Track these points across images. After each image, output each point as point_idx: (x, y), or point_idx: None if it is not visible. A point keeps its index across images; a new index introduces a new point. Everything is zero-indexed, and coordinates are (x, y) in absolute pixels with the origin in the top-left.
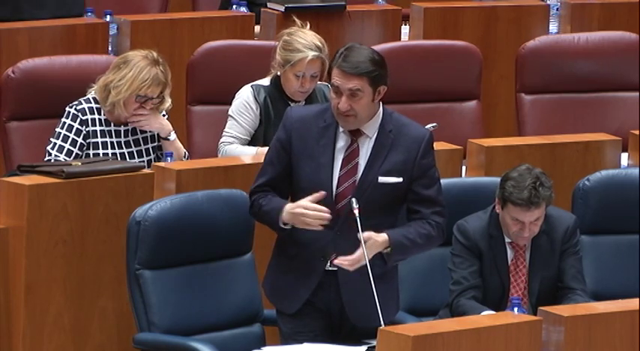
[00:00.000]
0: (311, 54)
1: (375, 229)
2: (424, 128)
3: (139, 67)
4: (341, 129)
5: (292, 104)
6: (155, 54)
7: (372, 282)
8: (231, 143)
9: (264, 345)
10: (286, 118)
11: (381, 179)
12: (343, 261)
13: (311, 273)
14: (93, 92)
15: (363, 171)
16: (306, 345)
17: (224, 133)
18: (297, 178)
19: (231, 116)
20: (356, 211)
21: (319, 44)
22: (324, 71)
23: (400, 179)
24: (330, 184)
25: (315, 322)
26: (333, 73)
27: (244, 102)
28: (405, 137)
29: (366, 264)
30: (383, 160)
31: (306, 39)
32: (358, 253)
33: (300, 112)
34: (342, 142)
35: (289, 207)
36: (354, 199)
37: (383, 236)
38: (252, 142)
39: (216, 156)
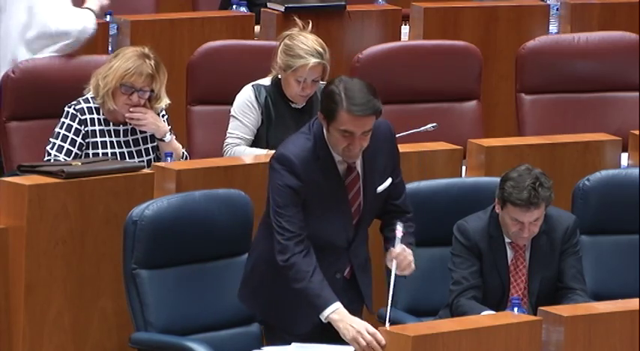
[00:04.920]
0: (312, 61)
1: (366, 229)
2: (383, 121)
3: (126, 57)
4: (336, 158)
5: (293, 104)
6: (147, 49)
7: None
8: (237, 145)
9: (262, 345)
10: (292, 166)
11: (379, 189)
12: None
13: None
14: (91, 91)
15: (364, 190)
16: (298, 345)
17: (229, 134)
18: (312, 211)
19: (234, 117)
20: (399, 233)
21: (320, 50)
22: (326, 75)
23: (390, 180)
24: (348, 211)
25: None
26: (341, 118)
27: (247, 101)
28: (375, 138)
29: (367, 262)
30: (373, 172)
31: (307, 44)
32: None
33: (301, 156)
34: (341, 170)
35: (349, 319)
36: (399, 225)
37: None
38: (255, 141)
39: (216, 156)
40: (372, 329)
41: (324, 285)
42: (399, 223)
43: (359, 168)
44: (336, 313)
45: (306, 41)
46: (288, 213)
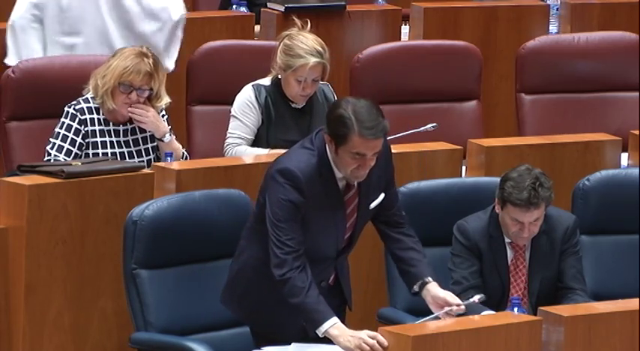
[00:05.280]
0: (312, 60)
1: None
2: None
3: (124, 56)
4: (337, 176)
5: (293, 104)
6: (145, 48)
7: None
8: (239, 144)
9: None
10: (298, 181)
11: (372, 205)
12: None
13: None
14: (91, 92)
15: (359, 207)
16: (298, 345)
17: (229, 134)
18: (309, 226)
19: (234, 116)
20: (477, 300)
21: (320, 49)
22: (326, 74)
23: (383, 195)
24: (343, 230)
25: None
26: (354, 142)
27: (247, 101)
28: None
29: (346, 262)
30: (368, 187)
31: (307, 44)
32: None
33: (306, 172)
34: (340, 186)
35: (348, 331)
36: (477, 297)
37: (435, 285)
38: (255, 141)
39: (216, 156)
40: (372, 333)
41: (320, 300)
42: (479, 296)
43: (356, 184)
44: (334, 328)
45: (305, 41)
46: (289, 228)
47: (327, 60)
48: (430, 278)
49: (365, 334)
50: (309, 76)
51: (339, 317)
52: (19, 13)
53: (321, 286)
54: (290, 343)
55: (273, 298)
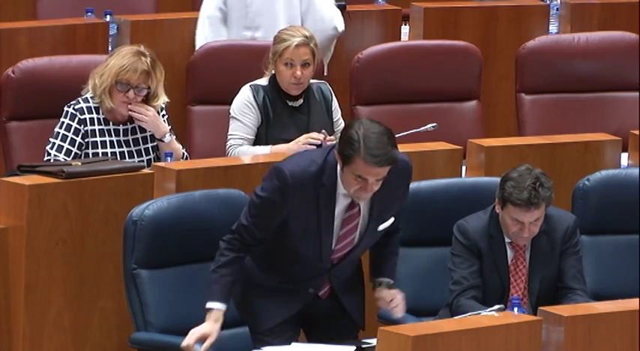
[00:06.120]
0: (296, 40)
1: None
2: (404, 159)
3: (121, 55)
4: (341, 192)
5: (291, 102)
6: (142, 47)
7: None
8: (240, 145)
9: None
10: (285, 183)
11: (380, 228)
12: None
13: (295, 301)
14: (90, 92)
15: (362, 226)
16: (299, 344)
17: (230, 136)
18: (291, 230)
19: (234, 117)
20: (495, 311)
21: (306, 33)
22: (316, 61)
23: (392, 219)
24: (329, 243)
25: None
26: (357, 165)
27: (245, 102)
28: (392, 174)
29: (356, 276)
30: (380, 208)
31: (292, 30)
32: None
33: (298, 177)
34: (342, 204)
35: (208, 321)
36: (496, 307)
37: (391, 290)
38: (254, 141)
39: (216, 156)
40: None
41: (221, 282)
42: (498, 306)
43: (362, 204)
44: (210, 313)
45: (292, 29)
46: (255, 222)
47: (316, 46)
48: (391, 282)
49: (197, 330)
50: (296, 58)
51: (339, 331)
52: (209, 11)
53: (308, 291)
54: (281, 341)
55: (256, 289)
